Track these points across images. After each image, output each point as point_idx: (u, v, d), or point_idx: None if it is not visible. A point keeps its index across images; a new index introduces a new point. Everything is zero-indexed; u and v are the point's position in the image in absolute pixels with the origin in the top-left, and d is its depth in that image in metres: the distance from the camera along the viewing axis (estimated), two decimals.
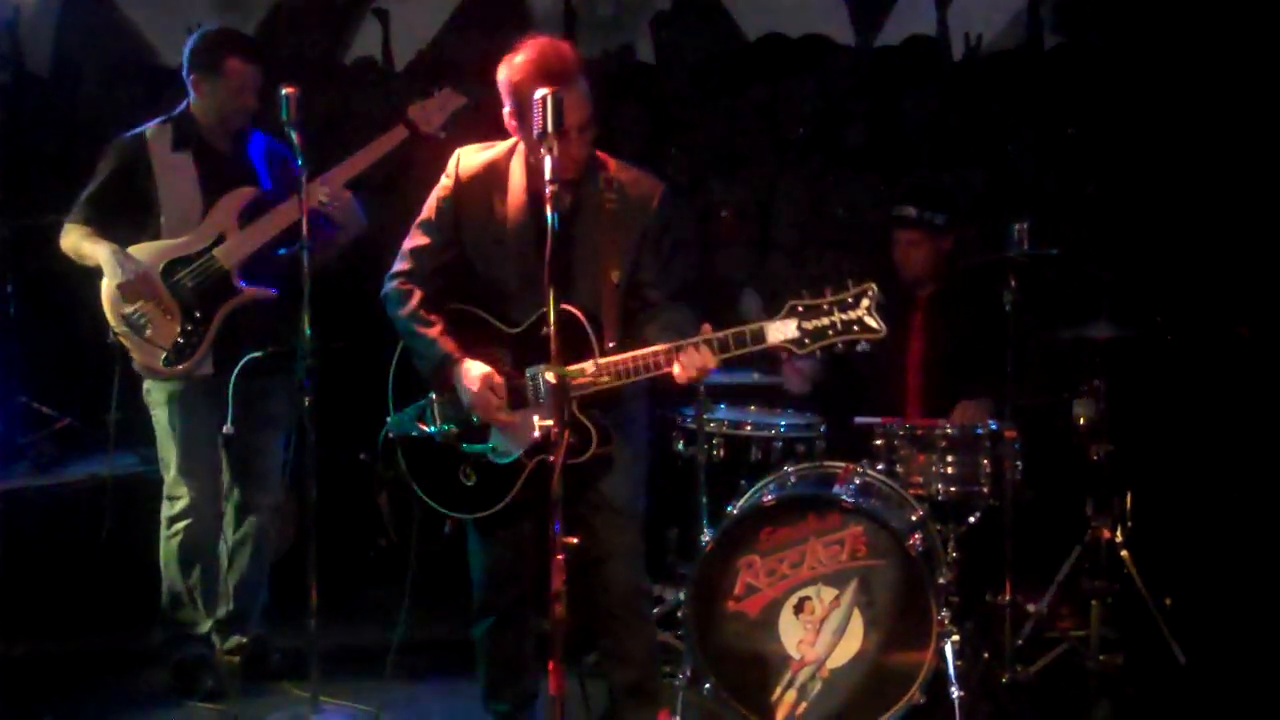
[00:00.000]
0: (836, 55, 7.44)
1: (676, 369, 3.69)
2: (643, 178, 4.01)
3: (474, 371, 3.90)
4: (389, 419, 4.12)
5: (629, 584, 4.06)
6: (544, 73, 3.72)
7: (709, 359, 3.65)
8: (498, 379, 3.90)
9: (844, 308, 3.52)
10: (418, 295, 4.01)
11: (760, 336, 3.61)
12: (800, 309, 3.55)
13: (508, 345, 3.94)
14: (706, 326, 3.68)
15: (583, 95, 3.79)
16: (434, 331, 3.96)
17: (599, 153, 3.97)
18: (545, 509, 3.72)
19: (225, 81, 4.84)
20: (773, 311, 3.63)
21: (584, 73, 3.82)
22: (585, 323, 3.80)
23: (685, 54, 7.62)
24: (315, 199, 4.73)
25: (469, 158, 4.03)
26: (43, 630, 5.54)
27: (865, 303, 3.50)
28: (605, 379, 3.75)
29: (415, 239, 4.06)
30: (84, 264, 4.86)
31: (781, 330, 3.57)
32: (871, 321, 3.50)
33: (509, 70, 3.81)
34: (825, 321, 3.53)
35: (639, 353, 3.74)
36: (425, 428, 4.03)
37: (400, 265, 4.07)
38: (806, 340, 3.55)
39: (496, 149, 4.02)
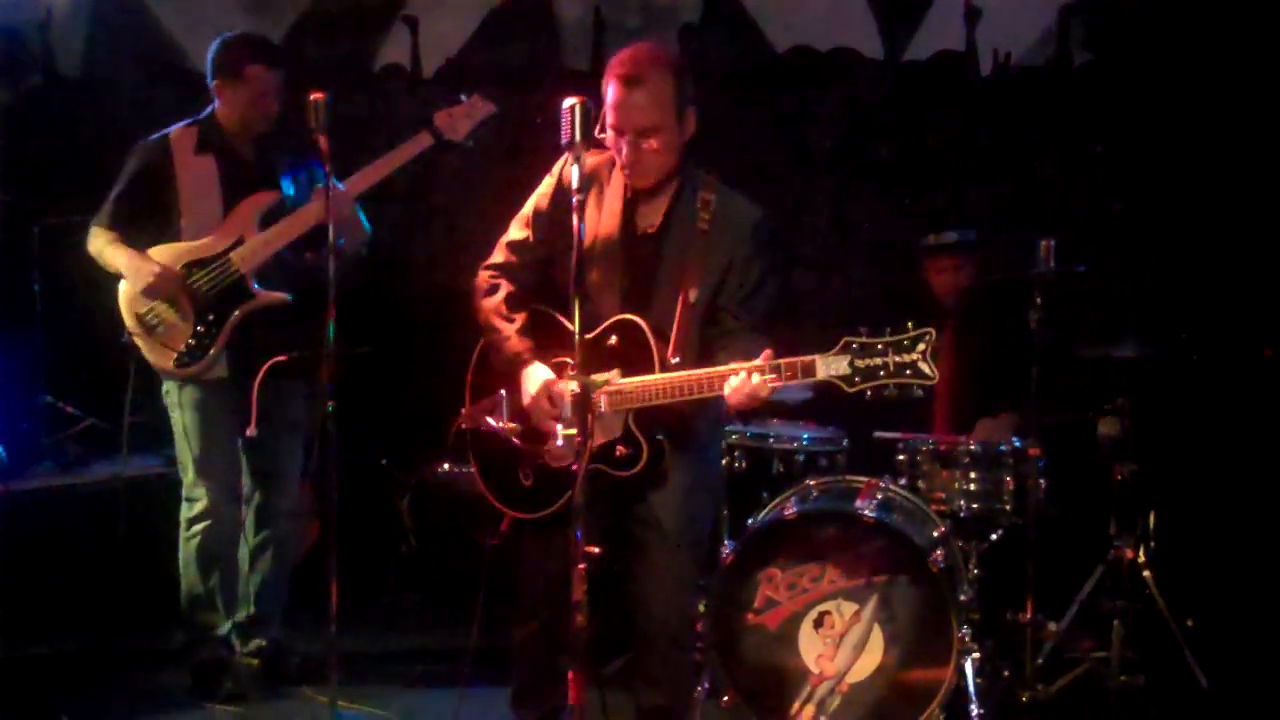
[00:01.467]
0: (865, 69, 7.42)
1: (728, 392, 3.61)
2: (741, 203, 3.93)
3: (536, 376, 3.87)
4: (464, 410, 4.10)
5: (669, 608, 3.99)
6: (613, 73, 3.76)
7: (761, 388, 3.56)
8: (557, 388, 3.84)
9: (899, 350, 3.43)
10: (504, 289, 4.00)
11: (810, 370, 3.52)
12: (855, 346, 3.47)
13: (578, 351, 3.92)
14: (767, 353, 3.59)
15: (650, 98, 3.75)
16: (511, 328, 3.94)
17: (705, 171, 3.94)
18: (595, 520, 3.65)
19: (246, 86, 4.88)
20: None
21: (666, 76, 3.77)
22: (650, 335, 3.76)
23: (713, 65, 7.60)
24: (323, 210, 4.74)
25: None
26: (63, 630, 5.56)
27: (921, 347, 3.41)
28: (631, 391, 3.73)
29: (512, 233, 4.05)
30: (107, 269, 4.91)
31: (832, 366, 3.49)
32: (925, 368, 3.42)
33: (607, 73, 3.82)
34: (878, 361, 3.44)
35: (683, 374, 3.69)
36: (493, 423, 3.98)
37: (494, 257, 4.06)
38: (857, 379, 3.47)
39: (604, 154, 3.94)
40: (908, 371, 3.43)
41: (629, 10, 7.47)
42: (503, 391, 3.97)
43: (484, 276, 4.05)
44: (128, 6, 7.71)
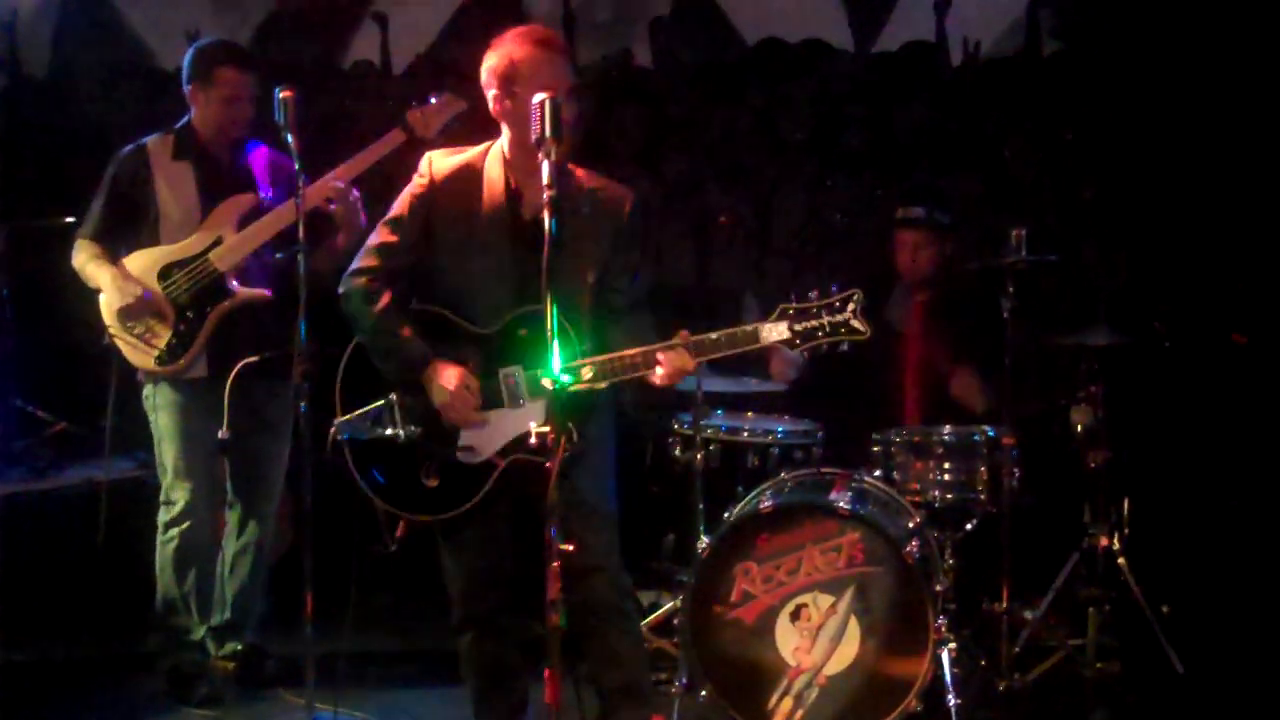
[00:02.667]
0: (835, 60, 7.44)
1: (658, 371, 3.71)
2: (613, 186, 4.03)
3: (449, 372, 3.86)
4: (336, 422, 4.01)
5: (611, 585, 4.03)
6: (537, 40, 3.86)
7: (687, 362, 3.71)
8: (473, 380, 3.87)
9: (832, 311, 3.67)
10: (385, 294, 3.95)
11: (754, 337, 3.71)
12: (791, 312, 3.69)
13: (476, 346, 3.90)
14: (684, 333, 3.71)
15: (569, 64, 3.93)
16: (406, 331, 3.92)
17: (569, 164, 3.94)
18: (518, 511, 3.87)
19: (217, 90, 4.89)
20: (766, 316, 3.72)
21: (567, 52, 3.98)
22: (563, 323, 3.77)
23: (684, 58, 7.61)
24: (322, 194, 4.75)
25: (441, 160, 4.00)
26: (37, 636, 5.51)
27: (851, 306, 3.66)
28: (602, 383, 3.74)
29: (383, 236, 3.99)
30: (88, 284, 4.90)
31: (774, 332, 3.70)
32: (857, 324, 3.66)
33: (499, 53, 3.87)
34: (814, 323, 3.67)
35: (621, 354, 3.73)
36: (384, 431, 3.97)
37: (365, 262, 3.98)
38: (798, 340, 3.69)
39: (469, 152, 4.00)
40: (842, 329, 3.68)
41: (599, 4, 7.48)
42: (393, 396, 3.96)
43: (358, 283, 3.97)
44: (94, 6, 7.68)
